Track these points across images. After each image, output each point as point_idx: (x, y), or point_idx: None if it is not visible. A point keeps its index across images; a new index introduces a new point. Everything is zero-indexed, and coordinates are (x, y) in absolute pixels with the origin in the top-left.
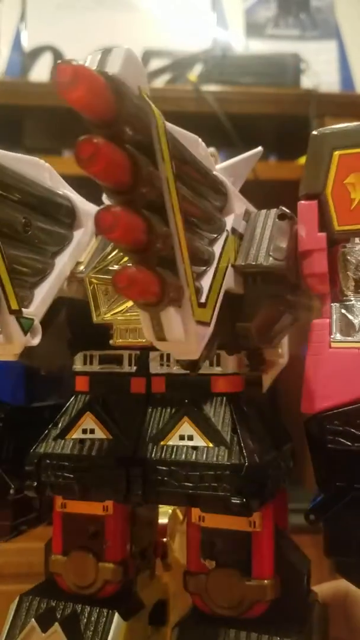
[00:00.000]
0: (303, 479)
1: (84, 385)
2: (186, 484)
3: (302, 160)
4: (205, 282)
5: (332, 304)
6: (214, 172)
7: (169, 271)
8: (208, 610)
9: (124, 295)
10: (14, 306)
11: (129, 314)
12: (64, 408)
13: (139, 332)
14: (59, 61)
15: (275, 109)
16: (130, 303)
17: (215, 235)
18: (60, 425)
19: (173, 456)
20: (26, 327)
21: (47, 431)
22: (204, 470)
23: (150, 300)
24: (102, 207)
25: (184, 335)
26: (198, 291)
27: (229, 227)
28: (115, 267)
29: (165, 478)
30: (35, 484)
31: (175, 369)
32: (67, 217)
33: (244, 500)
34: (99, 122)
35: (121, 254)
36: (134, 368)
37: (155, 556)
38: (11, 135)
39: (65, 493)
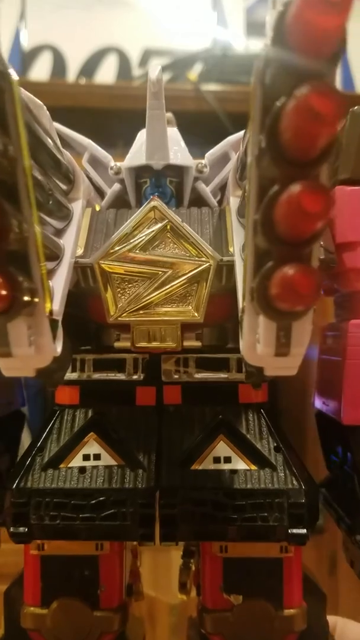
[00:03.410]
0: None
1: (73, 397)
2: (232, 516)
3: None
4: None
5: None
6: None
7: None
8: None
9: None
10: (49, 306)
11: (154, 312)
12: (48, 428)
13: (165, 333)
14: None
15: None
16: (156, 299)
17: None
18: (48, 450)
19: (210, 483)
20: (54, 332)
21: (29, 459)
22: (252, 499)
23: None
24: None
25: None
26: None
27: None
28: (140, 253)
29: (205, 511)
30: (26, 529)
31: (198, 376)
32: (67, 182)
33: (306, 530)
34: None
35: (147, 237)
36: (142, 375)
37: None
38: None
39: (65, 537)
